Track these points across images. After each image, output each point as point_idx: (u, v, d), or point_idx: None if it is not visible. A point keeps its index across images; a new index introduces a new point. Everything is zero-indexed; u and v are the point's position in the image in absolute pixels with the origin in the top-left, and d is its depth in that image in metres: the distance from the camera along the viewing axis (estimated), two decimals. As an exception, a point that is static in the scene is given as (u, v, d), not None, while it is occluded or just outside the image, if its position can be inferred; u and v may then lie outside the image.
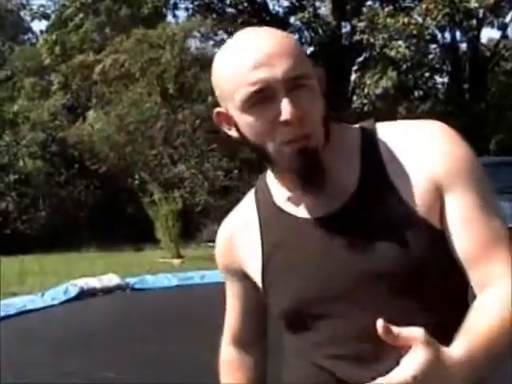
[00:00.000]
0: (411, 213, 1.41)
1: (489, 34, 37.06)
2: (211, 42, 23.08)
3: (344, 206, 1.45)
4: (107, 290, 7.74)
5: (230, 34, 22.68)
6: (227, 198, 18.33)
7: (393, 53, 17.77)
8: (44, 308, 7.13)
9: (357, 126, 1.53)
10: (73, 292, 7.51)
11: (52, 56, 25.07)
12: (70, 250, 16.03)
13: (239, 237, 1.62)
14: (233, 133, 1.47)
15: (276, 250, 1.52)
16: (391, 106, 21.09)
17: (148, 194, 15.98)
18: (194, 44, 22.86)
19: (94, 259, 14.16)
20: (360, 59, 21.24)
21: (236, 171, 18.94)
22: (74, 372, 5.08)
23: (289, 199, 1.51)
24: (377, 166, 1.45)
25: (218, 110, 1.47)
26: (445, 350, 1.21)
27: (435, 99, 22.94)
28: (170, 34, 20.85)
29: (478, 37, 20.93)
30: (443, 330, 1.26)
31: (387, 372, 1.31)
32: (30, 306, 7.06)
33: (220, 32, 22.79)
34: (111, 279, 7.92)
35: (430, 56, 21.68)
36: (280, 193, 1.53)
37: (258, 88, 1.34)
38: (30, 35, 31.77)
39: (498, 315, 1.34)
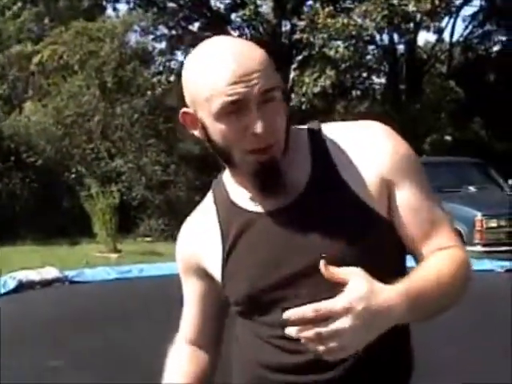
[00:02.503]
0: (361, 203, 1.55)
1: (425, 37, 37.75)
2: (151, 37, 23.01)
3: (296, 199, 1.57)
4: (46, 283, 7.71)
5: (171, 28, 22.66)
6: (164, 193, 18.31)
7: (332, 52, 17.99)
8: (-19, 301, 7.05)
9: (304, 127, 1.66)
10: (11, 285, 7.45)
11: (-12, 45, 24.63)
12: (4, 244, 15.77)
13: (200, 236, 1.73)
14: (197, 133, 1.59)
15: (235, 244, 1.64)
16: (329, 105, 21.35)
17: (85, 188, 15.83)
18: (133, 38, 22.76)
19: (30, 253, 13.97)
20: (299, 58, 21.43)
21: (173, 166, 18.90)
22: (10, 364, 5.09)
23: (244, 196, 1.63)
24: (326, 163, 1.58)
25: (184, 110, 1.58)
26: (380, 284, 1.36)
27: (372, 99, 23.31)
28: (109, 27, 20.71)
29: (415, 39, 21.36)
30: None
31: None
32: (-34, 299, 6.98)
33: (160, 27, 22.71)
34: (50, 272, 7.89)
35: (368, 57, 22.02)
36: (236, 191, 1.66)
37: (234, 100, 1.46)
38: (-34, 24, 31.12)
39: (446, 262, 1.50)
